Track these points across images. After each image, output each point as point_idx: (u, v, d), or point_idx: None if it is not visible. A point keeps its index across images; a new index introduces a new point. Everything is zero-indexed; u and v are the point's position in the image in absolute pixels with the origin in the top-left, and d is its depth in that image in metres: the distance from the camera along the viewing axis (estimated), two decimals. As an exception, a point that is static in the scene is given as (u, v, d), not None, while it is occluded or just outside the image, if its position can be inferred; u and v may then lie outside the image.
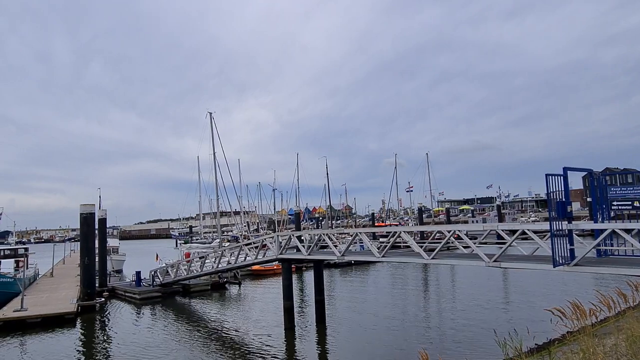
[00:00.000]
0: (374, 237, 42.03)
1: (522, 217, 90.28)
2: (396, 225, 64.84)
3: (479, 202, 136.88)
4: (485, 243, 17.52)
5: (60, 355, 17.02)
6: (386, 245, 16.89)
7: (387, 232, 25.78)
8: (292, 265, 21.74)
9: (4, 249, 37.14)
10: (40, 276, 39.76)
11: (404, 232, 16.84)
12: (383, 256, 16.25)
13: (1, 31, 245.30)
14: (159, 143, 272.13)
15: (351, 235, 19.32)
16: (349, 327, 19.43)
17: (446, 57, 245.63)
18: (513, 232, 13.21)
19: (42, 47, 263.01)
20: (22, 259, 35.89)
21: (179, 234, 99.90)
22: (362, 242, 30.38)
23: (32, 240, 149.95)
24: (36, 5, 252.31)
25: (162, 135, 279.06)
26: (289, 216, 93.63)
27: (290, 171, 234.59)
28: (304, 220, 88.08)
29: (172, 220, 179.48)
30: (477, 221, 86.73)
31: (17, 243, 44.48)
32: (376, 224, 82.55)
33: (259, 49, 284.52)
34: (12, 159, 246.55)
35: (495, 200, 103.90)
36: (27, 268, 35.06)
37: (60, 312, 22.44)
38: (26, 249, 38.69)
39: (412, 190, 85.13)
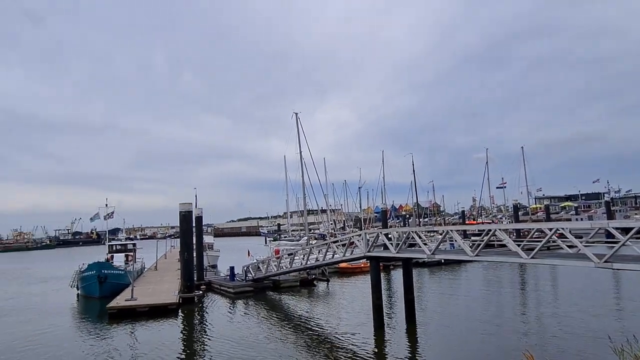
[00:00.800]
0: (464, 235, 40.30)
1: (636, 214, 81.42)
2: (489, 223, 61.62)
3: (583, 198, 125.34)
4: (593, 243, 15.94)
5: (165, 342, 18.36)
6: (479, 244, 16.02)
7: (479, 230, 24.56)
8: (380, 264, 21.48)
9: (116, 244, 41.03)
10: (146, 269, 43.31)
11: (499, 229, 15.86)
12: (477, 255, 15.43)
13: (110, 47, 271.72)
14: (246, 144, 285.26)
15: (441, 233, 18.62)
16: (441, 329, 18.74)
17: (540, 43, 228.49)
18: (626, 231, 11.85)
19: (143, 59, 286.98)
20: (131, 253, 39.42)
21: (267, 231, 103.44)
22: (452, 241, 29.20)
23: (138, 237, 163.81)
24: (138, 21, 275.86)
25: (249, 137, 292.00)
26: (375, 214, 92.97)
27: (375, 169, 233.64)
28: (391, 218, 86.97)
29: (260, 218, 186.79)
30: (582, 219, 79.78)
31: (126, 239, 48.75)
32: (467, 222, 79.14)
33: (339, 48, 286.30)
34: (120, 163, 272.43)
35: (604, 196, 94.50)
36: (135, 262, 38.38)
37: (164, 303, 24.26)
38: (134, 245, 42.41)
39: (505, 187, 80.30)
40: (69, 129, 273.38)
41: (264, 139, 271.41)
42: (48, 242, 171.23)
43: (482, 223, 65.50)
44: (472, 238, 28.48)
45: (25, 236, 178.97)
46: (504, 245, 16.65)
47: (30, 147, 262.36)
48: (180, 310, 24.60)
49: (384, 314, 19.88)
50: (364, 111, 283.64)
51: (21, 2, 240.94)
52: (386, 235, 20.68)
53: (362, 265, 36.99)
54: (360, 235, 21.57)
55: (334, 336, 18.31)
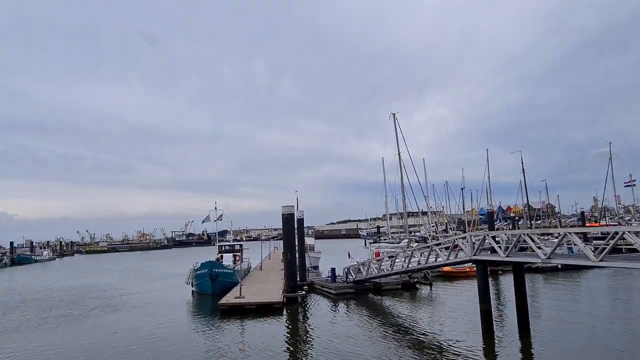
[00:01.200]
0: (585, 239, 36.57)
1: None
2: (615, 225, 55.37)
3: None
4: None
5: (271, 338, 19.12)
6: (604, 248, 14.32)
7: (603, 233, 22.09)
8: (487, 268, 20.23)
9: (224, 245, 43.73)
10: (252, 269, 45.55)
11: (629, 232, 14.04)
12: (601, 260, 13.82)
13: (216, 61, 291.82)
14: (344, 147, 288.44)
15: (557, 236, 17.01)
16: (559, 340, 17.09)
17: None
18: None
19: (246, 70, 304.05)
20: (239, 253, 41.72)
21: (367, 233, 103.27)
22: (570, 244, 26.64)
23: (244, 238, 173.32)
24: (241, 35, 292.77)
25: (346, 140, 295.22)
26: (480, 216, 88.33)
27: (479, 168, 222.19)
28: (497, 220, 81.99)
29: (360, 220, 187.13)
30: None
31: (233, 240, 51.80)
32: (587, 225, 71.84)
33: (437, 44, 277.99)
34: (226, 169, 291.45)
35: None
36: (242, 262, 40.57)
37: (270, 302, 25.26)
38: (241, 246, 44.88)
39: (634, 184, 71.72)
40: (181, 139, 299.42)
41: (362, 141, 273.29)
42: (166, 243, 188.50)
43: (607, 225, 59.00)
44: (595, 242, 25.67)
45: (147, 237, 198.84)
46: (636, 250, 14.70)
47: (149, 157, 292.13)
48: (284, 309, 25.40)
49: (493, 321, 18.67)
50: (466, 108, 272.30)
51: (138, 25, 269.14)
52: (493, 237, 19.45)
53: (468, 269, 35.30)
54: (465, 237, 20.52)
55: (438, 342, 17.59)
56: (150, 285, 43.03)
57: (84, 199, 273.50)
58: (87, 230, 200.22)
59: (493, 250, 18.97)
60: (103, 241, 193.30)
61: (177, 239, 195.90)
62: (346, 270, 33.26)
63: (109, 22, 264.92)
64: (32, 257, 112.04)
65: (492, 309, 19.19)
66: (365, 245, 59.59)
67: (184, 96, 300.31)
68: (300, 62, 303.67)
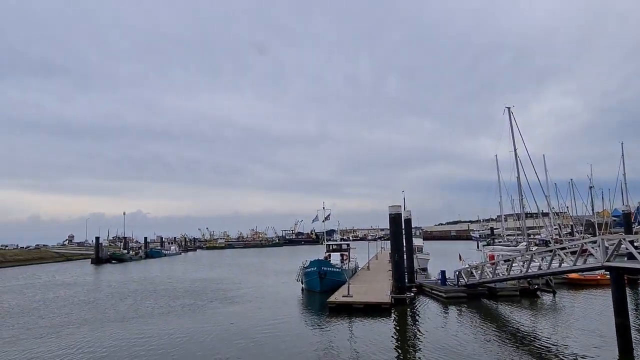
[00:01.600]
0: None
1: None
2: None
3: None
4: None
5: (379, 339, 18.93)
6: None
7: None
8: (624, 276, 17.87)
9: (332, 244, 44.47)
10: (359, 269, 45.70)
11: None
12: None
13: (321, 64, 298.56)
14: (453, 145, 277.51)
15: None
16: None
17: None
18: None
19: (349, 71, 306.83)
20: (346, 253, 42.12)
21: (479, 235, 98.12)
22: None
23: (351, 238, 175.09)
24: (345, 36, 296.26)
25: (455, 137, 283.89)
26: (614, 218, 78.95)
27: (611, 165, 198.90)
28: (636, 223, 72.52)
29: (471, 221, 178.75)
30: None
31: (340, 240, 52.44)
32: None
33: (559, 28, 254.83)
34: (332, 170, 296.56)
35: None
36: (349, 261, 40.89)
37: (378, 302, 25.08)
38: (348, 245, 45.27)
39: None
40: (290, 141, 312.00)
41: (472, 138, 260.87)
42: (277, 241, 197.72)
43: None
44: None
45: (260, 235, 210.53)
46: None
47: (261, 158, 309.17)
48: (393, 310, 25.01)
49: (632, 337, 16.42)
50: (594, 98, 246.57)
51: (248, 35, 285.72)
52: (631, 242, 17.13)
53: (599, 277, 31.80)
54: (595, 241, 18.37)
55: (564, 356, 15.93)
56: (264, 280, 45.40)
57: (202, 198, 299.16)
58: (207, 228, 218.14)
59: (631, 256, 16.73)
60: (221, 238, 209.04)
61: (287, 237, 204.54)
62: (457, 273, 31.79)
63: (222, 35, 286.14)
64: (162, 251, 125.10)
65: (631, 323, 16.91)
66: (478, 247, 56.67)
67: (290, 100, 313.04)
68: (404, 59, 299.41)
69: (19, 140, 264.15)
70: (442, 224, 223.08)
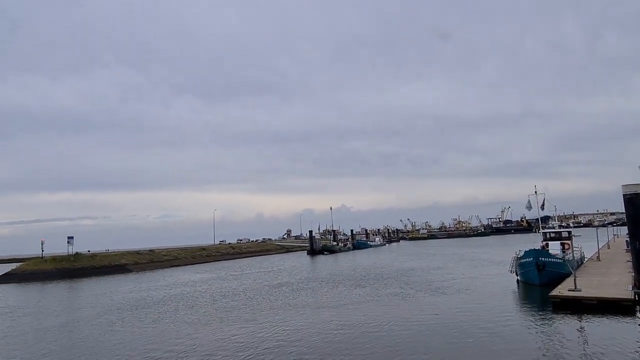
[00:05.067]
0: None
1: None
2: None
3: None
4: None
5: (621, 344, 15.73)
6: None
7: None
8: None
9: (549, 232, 39.65)
10: (586, 259, 39.87)
11: None
12: None
13: (517, 35, 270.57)
14: None
15: None
16: None
17: None
18: None
19: (552, 36, 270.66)
20: (567, 241, 37.14)
21: None
22: None
23: (571, 225, 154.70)
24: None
25: None
26: None
27: None
28: None
29: None
30: None
31: (559, 227, 46.52)
32: None
33: None
34: (540, 149, 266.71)
35: None
36: (573, 251, 35.93)
37: (616, 298, 21.21)
38: (569, 233, 39.82)
39: None
40: (488, 124, 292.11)
41: None
42: (482, 230, 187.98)
43: None
44: None
45: (463, 224, 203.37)
46: None
47: (457, 145, 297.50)
48: (638, 309, 20.87)
49: None
50: None
51: (428, 22, 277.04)
52: None
53: None
54: None
55: None
56: (472, 271, 43.32)
57: (400, 190, 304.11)
58: (408, 219, 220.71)
59: None
60: (423, 229, 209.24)
61: (494, 225, 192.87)
62: None
63: (404, 29, 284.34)
64: (368, 242, 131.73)
65: None
66: None
67: (484, 81, 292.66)
68: (626, 6, 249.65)
69: (244, 150, 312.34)
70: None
